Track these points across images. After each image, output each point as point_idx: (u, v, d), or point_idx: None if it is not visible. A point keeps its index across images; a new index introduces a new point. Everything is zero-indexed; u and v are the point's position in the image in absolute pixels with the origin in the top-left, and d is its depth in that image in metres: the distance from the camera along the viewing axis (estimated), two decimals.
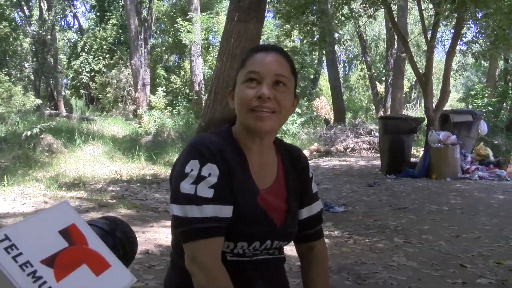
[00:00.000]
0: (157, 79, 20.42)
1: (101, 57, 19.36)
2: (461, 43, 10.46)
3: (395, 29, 10.18)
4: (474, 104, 13.95)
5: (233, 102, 1.21)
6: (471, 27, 10.34)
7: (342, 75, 28.36)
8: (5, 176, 5.80)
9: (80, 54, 19.60)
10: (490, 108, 13.57)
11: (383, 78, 20.08)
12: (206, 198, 1.07)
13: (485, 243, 3.61)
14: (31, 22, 18.69)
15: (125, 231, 0.72)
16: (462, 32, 9.67)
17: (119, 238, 0.70)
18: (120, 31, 19.60)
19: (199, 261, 1.06)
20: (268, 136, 1.20)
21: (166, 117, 14.75)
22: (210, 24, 17.22)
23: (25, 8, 19.98)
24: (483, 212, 4.88)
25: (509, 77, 16.35)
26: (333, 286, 2.57)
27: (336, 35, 12.43)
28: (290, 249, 3.16)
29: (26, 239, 0.57)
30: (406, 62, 14.16)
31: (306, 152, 9.86)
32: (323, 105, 19.80)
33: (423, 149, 9.00)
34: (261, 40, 5.86)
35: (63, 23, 24.81)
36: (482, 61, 15.73)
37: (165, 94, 18.03)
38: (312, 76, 21.68)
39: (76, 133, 9.42)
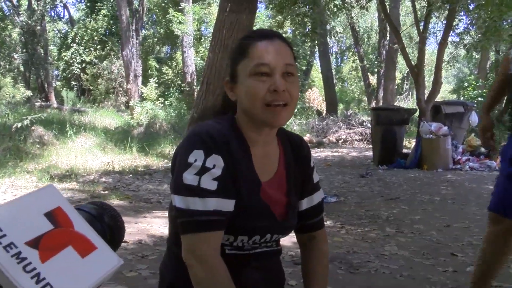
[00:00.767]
0: (149, 70, 20.27)
1: (92, 48, 19.16)
2: (453, 34, 10.50)
3: (387, 20, 10.18)
4: (466, 96, 14.04)
5: (233, 94, 1.16)
6: (463, 19, 10.40)
7: (334, 66, 28.37)
8: None
9: (71, 45, 19.38)
10: (481, 99, 13.66)
11: (375, 70, 20.11)
12: (210, 190, 1.05)
13: (475, 233, 3.66)
14: (20, 12, 18.42)
15: (112, 216, 0.72)
16: (454, 23, 9.69)
17: (107, 223, 0.70)
18: (111, 22, 19.40)
19: (198, 254, 1.05)
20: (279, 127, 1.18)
21: (158, 108, 14.68)
22: (202, 15, 17.12)
23: None
24: (474, 202, 4.93)
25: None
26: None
27: (328, 26, 12.41)
28: (283, 239, 3.17)
29: (11, 221, 0.57)
30: (398, 53, 14.19)
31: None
32: (315, 97, 19.81)
33: (415, 140, 9.06)
34: None
35: (53, 14, 24.51)
36: (474, 53, 15.80)
37: (157, 85, 17.92)
38: (304, 68, 21.64)
39: (67, 125, 9.34)
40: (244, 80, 1.11)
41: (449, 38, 10.04)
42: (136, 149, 8.62)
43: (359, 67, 21.51)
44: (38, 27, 18.09)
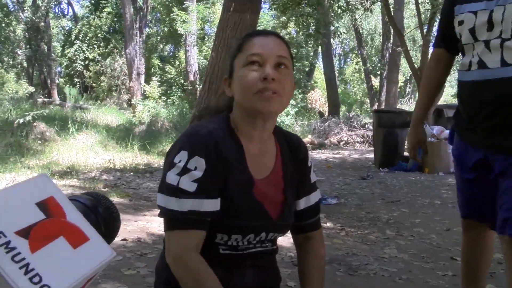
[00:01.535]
0: (152, 69, 20.30)
1: (95, 46, 19.20)
2: None
3: (391, 22, 10.18)
4: None
5: (230, 89, 1.17)
6: None
7: (337, 68, 28.37)
8: None
9: (74, 42, 19.42)
10: None
11: (378, 72, 20.10)
12: (187, 192, 1.06)
13: None
14: (24, 8, 18.46)
15: (107, 207, 0.70)
16: None
17: (101, 214, 0.68)
18: (115, 19, 19.43)
19: (173, 252, 1.07)
20: (272, 118, 1.17)
21: (160, 106, 14.70)
22: (206, 14, 17.12)
23: None
24: None
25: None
26: (325, 277, 2.58)
27: (332, 27, 12.40)
28: (281, 240, 3.16)
29: (1, 210, 0.56)
30: (402, 56, 14.19)
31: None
32: (318, 98, 19.80)
33: None
34: None
35: (57, 10, 24.58)
36: None
37: (159, 83, 17.94)
38: (307, 69, 21.64)
39: (69, 122, 9.35)
40: (237, 72, 1.14)
41: None
42: (138, 147, 8.63)
43: (362, 69, 21.50)
44: (42, 24, 18.13)
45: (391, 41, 16.83)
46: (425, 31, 9.33)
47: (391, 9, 11.44)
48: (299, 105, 15.71)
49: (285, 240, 3.11)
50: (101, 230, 0.65)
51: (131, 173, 6.46)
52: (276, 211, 1.19)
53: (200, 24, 17.67)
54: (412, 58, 9.98)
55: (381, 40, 20.73)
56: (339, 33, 12.76)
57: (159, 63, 20.97)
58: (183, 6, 15.95)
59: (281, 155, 1.24)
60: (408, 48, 10.03)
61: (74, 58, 19.22)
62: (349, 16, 15.42)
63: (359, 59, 22.25)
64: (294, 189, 1.26)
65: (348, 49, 30.98)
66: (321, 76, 23.81)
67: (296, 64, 19.39)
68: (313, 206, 1.30)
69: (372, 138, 10.16)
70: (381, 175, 7.47)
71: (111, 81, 18.80)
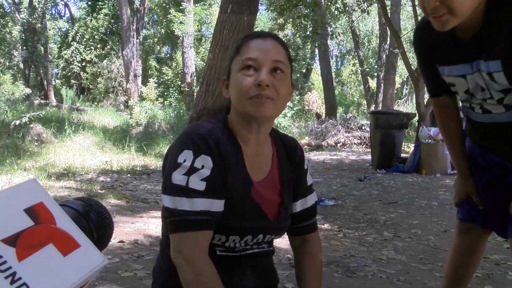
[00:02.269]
0: (149, 70, 20.27)
1: (92, 47, 19.15)
2: None
3: (388, 24, 10.19)
4: None
5: (227, 91, 1.17)
6: None
7: (335, 69, 28.38)
8: None
9: (71, 43, 19.37)
10: None
11: (375, 74, 20.12)
12: (198, 191, 1.05)
13: None
14: (21, 10, 18.41)
15: (99, 213, 0.68)
16: None
17: (94, 220, 0.66)
18: (112, 21, 19.40)
19: (185, 254, 1.05)
20: (266, 123, 1.17)
21: (157, 108, 14.68)
22: (203, 15, 17.11)
23: None
24: None
25: None
26: (322, 278, 2.58)
27: (329, 29, 12.43)
28: (279, 242, 3.16)
29: None
30: (399, 58, 14.19)
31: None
32: (315, 99, 19.80)
33: (413, 144, 9.05)
34: None
35: (53, 12, 24.52)
36: None
37: (156, 85, 17.93)
38: (304, 70, 21.66)
39: (66, 123, 9.32)
40: (234, 75, 1.13)
41: None
42: (135, 148, 8.61)
43: (359, 71, 21.51)
44: (39, 25, 18.07)
45: (388, 42, 16.84)
46: None
47: (388, 11, 11.46)
48: (295, 108, 15.72)
49: (283, 242, 3.10)
50: (93, 236, 0.63)
51: (128, 175, 6.44)
52: (274, 213, 1.19)
53: (197, 26, 17.67)
54: (409, 60, 9.99)
55: (378, 42, 20.74)
56: (336, 35, 12.74)
57: (156, 65, 20.95)
58: (180, 7, 15.94)
59: (278, 158, 1.24)
60: (405, 49, 10.03)
61: (71, 59, 19.17)
62: (346, 18, 15.44)
63: (356, 61, 22.27)
64: (291, 191, 1.25)
65: (345, 51, 31.02)
66: (318, 77, 23.83)
67: (293, 65, 19.41)
68: (310, 208, 1.30)
69: (369, 140, 10.18)
70: (378, 176, 7.47)
71: (108, 82, 18.76)
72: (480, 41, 1.37)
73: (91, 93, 19.19)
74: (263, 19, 17.37)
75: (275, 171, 1.22)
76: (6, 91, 14.65)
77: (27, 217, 0.56)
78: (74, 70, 19.22)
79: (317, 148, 12.08)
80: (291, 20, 9.49)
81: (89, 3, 20.13)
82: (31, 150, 7.39)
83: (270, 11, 10.77)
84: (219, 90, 5.41)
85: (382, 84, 17.38)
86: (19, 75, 19.86)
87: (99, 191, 5.11)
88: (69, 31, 20.15)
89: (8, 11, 18.89)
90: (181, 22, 15.39)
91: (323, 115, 16.88)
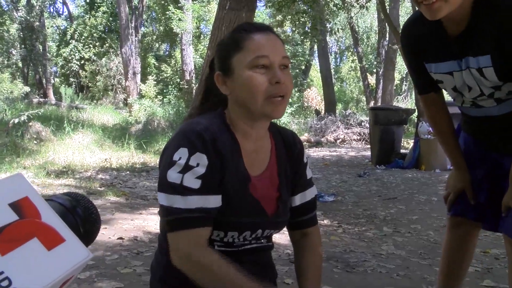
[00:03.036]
0: (148, 68, 20.25)
1: (91, 45, 19.14)
2: None
3: (387, 20, 10.17)
4: None
5: (226, 88, 1.14)
6: None
7: (334, 66, 28.36)
8: None
9: (70, 41, 19.35)
10: None
11: (374, 70, 20.12)
12: (192, 189, 1.04)
13: None
14: (18, 8, 18.37)
15: (86, 208, 0.67)
16: None
17: (80, 215, 0.65)
18: (111, 19, 19.38)
19: (182, 252, 1.05)
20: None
21: (157, 106, 14.67)
22: (202, 12, 17.11)
23: None
24: None
25: None
26: (322, 274, 2.58)
27: (328, 25, 12.42)
28: (279, 237, 3.16)
29: None
30: (398, 54, 14.20)
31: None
32: (314, 96, 19.80)
33: (413, 140, 9.05)
34: None
35: (52, 10, 24.47)
36: None
37: (155, 83, 17.92)
38: (303, 67, 21.65)
39: (65, 121, 9.32)
40: (242, 73, 1.10)
41: None
42: (134, 146, 8.60)
43: (358, 67, 21.49)
44: (37, 23, 18.04)
45: (387, 38, 16.83)
46: None
47: (387, 7, 11.44)
48: (295, 105, 15.72)
49: (282, 237, 3.10)
50: (80, 231, 0.63)
51: (128, 172, 6.44)
52: (272, 208, 1.19)
53: (196, 23, 17.65)
54: None
55: (377, 38, 20.73)
56: (335, 31, 12.71)
57: (155, 62, 20.93)
58: (179, 5, 15.90)
59: (276, 151, 1.23)
60: None
61: (70, 57, 19.16)
62: (345, 14, 15.42)
63: (355, 57, 22.24)
64: (290, 186, 1.25)
65: (344, 47, 30.98)
66: (317, 74, 23.82)
67: (292, 62, 19.41)
68: (309, 202, 1.29)
69: (369, 136, 10.18)
70: (377, 172, 7.47)
71: (107, 80, 18.75)
72: (467, 37, 1.37)
73: (90, 91, 19.18)
74: (262, 16, 17.34)
75: (273, 165, 1.21)
76: (4, 90, 14.65)
77: (11, 211, 0.56)
78: (73, 68, 19.21)
79: (316, 144, 12.08)
80: (289, 16, 9.47)
81: (87, 1, 20.10)
82: (30, 148, 7.39)
83: (268, 7, 10.74)
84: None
85: (381, 80, 17.37)
86: (18, 74, 19.85)
87: (99, 188, 5.11)
88: (68, 29, 20.12)
89: (5, 9, 18.85)
90: (179, 19, 15.37)
91: (322, 112, 16.88)
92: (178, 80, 18.17)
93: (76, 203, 0.67)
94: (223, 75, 1.14)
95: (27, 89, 16.73)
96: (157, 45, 23.92)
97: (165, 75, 19.45)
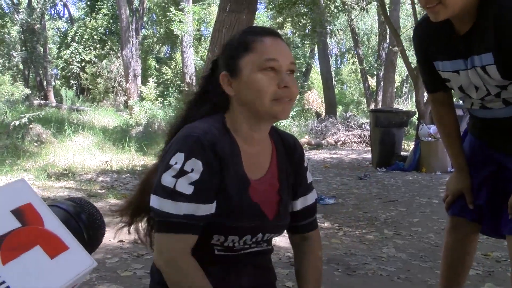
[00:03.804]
0: (148, 70, 20.26)
1: (91, 47, 19.15)
2: None
3: (387, 22, 10.18)
4: None
5: (231, 89, 1.14)
6: None
7: (334, 68, 28.35)
8: None
9: (71, 44, 19.36)
10: None
11: (375, 72, 20.10)
12: (184, 195, 1.05)
13: None
14: (19, 10, 18.40)
15: (91, 213, 0.67)
16: None
17: (84, 221, 0.65)
18: (111, 21, 19.39)
19: (166, 255, 1.06)
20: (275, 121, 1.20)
21: (157, 108, 14.68)
22: (202, 15, 17.11)
23: None
24: None
25: None
26: (323, 277, 2.57)
27: (328, 27, 12.44)
28: (279, 240, 3.16)
29: None
30: (398, 56, 14.18)
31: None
32: (314, 98, 19.79)
33: (413, 142, 9.04)
34: None
35: (52, 12, 24.50)
36: None
37: (156, 85, 17.91)
38: (303, 69, 21.65)
39: (66, 124, 9.32)
40: (250, 74, 1.11)
41: None
42: (134, 148, 8.60)
43: (359, 69, 21.48)
44: (38, 25, 18.06)
45: (388, 41, 16.81)
46: None
47: (387, 9, 11.45)
48: (296, 107, 15.72)
49: (283, 241, 3.10)
50: (84, 238, 0.62)
51: (128, 175, 6.43)
52: (272, 212, 1.18)
53: (196, 25, 17.66)
54: (409, 58, 9.98)
55: (377, 40, 20.71)
56: (335, 33, 12.76)
57: (156, 65, 20.94)
58: (179, 7, 15.92)
59: (277, 155, 1.23)
60: (405, 47, 10.02)
61: (70, 60, 19.17)
62: (345, 16, 15.43)
63: (356, 59, 22.23)
64: (290, 189, 1.25)
65: (344, 49, 30.99)
66: (317, 76, 23.81)
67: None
68: (310, 206, 1.29)
69: (369, 138, 10.17)
70: (378, 174, 7.46)
71: (107, 82, 18.76)
72: (472, 36, 1.40)
73: (91, 93, 19.19)
74: (262, 18, 17.36)
75: (273, 169, 1.21)
76: (5, 92, 14.66)
77: (14, 218, 0.55)
78: (73, 70, 19.21)
79: (317, 147, 12.08)
80: (290, 18, 9.48)
81: (88, 3, 20.12)
82: (30, 150, 7.39)
83: (269, 9, 10.75)
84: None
85: (381, 83, 17.35)
86: (19, 76, 19.87)
87: (99, 191, 5.10)
88: (68, 32, 20.14)
89: (6, 11, 18.88)
90: (180, 22, 15.37)
91: (323, 114, 16.87)
92: (179, 82, 18.18)
93: (80, 209, 0.66)
94: (229, 76, 1.14)
95: (28, 91, 16.74)
96: (157, 47, 23.94)
97: (165, 77, 19.46)
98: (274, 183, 1.20)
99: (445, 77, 1.54)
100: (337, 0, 10.78)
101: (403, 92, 25.20)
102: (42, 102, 15.86)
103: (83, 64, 19.08)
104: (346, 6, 12.05)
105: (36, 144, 7.81)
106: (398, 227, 3.94)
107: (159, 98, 16.66)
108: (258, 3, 6.05)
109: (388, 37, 16.74)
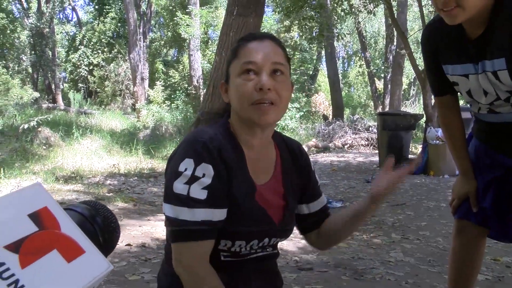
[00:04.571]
0: (156, 73, 20.36)
1: (99, 51, 19.29)
2: None
3: (394, 25, 10.15)
4: None
5: (227, 95, 1.16)
6: None
7: (341, 71, 28.33)
8: (2, 169, 5.77)
9: (79, 47, 19.53)
10: None
11: (382, 75, 20.05)
12: (199, 200, 1.04)
13: None
14: (29, 15, 18.59)
15: (106, 217, 0.67)
16: None
17: (100, 224, 0.65)
18: (119, 24, 19.53)
19: (185, 263, 1.05)
20: (269, 127, 1.17)
21: (165, 111, 14.72)
22: (210, 18, 17.17)
23: (23, 0, 19.87)
24: None
25: None
26: (330, 281, 2.56)
27: (335, 30, 12.43)
28: (287, 244, 3.15)
29: None
30: (405, 58, 14.14)
31: (304, 148, 9.90)
32: (322, 101, 19.78)
33: (421, 145, 8.99)
34: None
35: (61, 16, 24.75)
36: None
37: (163, 88, 18.00)
38: (311, 72, 21.64)
39: (74, 127, 9.38)
40: (233, 80, 1.12)
41: None
42: (142, 151, 8.63)
43: (366, 72, 21.44)
44: (47, 29, 18.24)
45: (395, 43, 16.79)
46: None
47: (394, 12, 11.42)
48: (304, 110, 15.71)
49: (290, 245, 3.09)
50: (99, 241, 0.62)
51: (136, 178, 6.46)
52: (278, 216, 1.19)
53: (204, 28, 17.72)
54: (416, 61, 9.94)
55: (384, 43, 20.68)
56: (342, 36, 12.73)
57: (163, 68, 21.04)
58: (187, 10, 15.99)
59: (281, 160, 1.23)
60: (412, 50, 9.99)
61: (79, 63, 19.32)
62: (352, 19, 15.41)
63: (363, 62, 22.19)
64: (297, 194, 1.25)
65: (351, 52, 30.95)
66: (324, 79, 23.80)
67: (300, 68, 19.43)
68: (325, 206, 1.33)
69: (377, 141, 10.14)
70: None
71: (115, 86, 18.86)
72: (485, 41, 1.39)
73: (99, 97, 19.30)
74: (270, 21, 17.38)
75: (278, 174, 1.22)
76: (15, 95, 14.78)
77: (31, 222, 0.55)
78: (81, 73, 19.36)
79: (324, 149, 12.05)
80: (297, 22, 9.48)
81: (96, 7, 20.28)
82: (39, 153, 7.44)
83: (276, 13, 10.77)
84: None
85: (389, 85, 17.31)
86: (28, 79, 20.04)
87: (107, 194, 5.13)
88: (77, 35, 20.32)
89: (17, 16, 19.09)
90: (187, 25, 15.44)
91: (330, 117, 16.85)
92: (186, 85, 18.23)
93: (95, 212, 0.67)
94: (225, 84, 1.17)
95: (37, 94, 16.89)
96: (165, 50, 24.05)
97: (173, 80, 19.54)
98: (279, 188, 1.21)
99: (454, 80, 1.53)
100: (344, 3, 10.77)
101: (411, 94, 25.10)
102: (50, 105, 15.99)
103: (91, 67, 19.21)
104: (353, 9, 12.03)
105: (44, 147, 7.87)
106: (406, 231, 3.92)
107: (166, 101, 16.72)
108: (266, 7, 6.06)
109: (395, 40, 16.71)
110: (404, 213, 4.67)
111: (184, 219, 1.04)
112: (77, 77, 19.87)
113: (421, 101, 10.31)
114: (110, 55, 19.27)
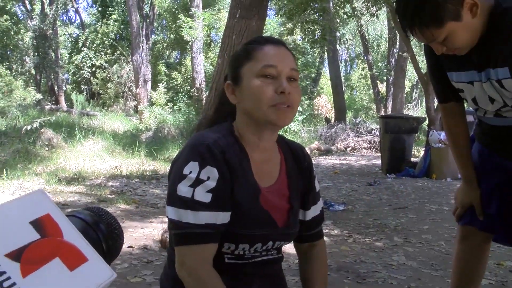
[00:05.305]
0: (158, 75, 20.40)
1: (102, 53, 19.35)
2: None
3: (397, 28, 10.15)
4: None
5: (234, 97, 1.16)
6: None
7: (344, 74, 28.34)
8: (4, 170, 5.79)
9: (82, 49, 19.58)
10: None
11: (385, 78, 20.05)
12: (203, 203, 1.04)
13: None
14: (33, 16, 18.66)
15: (109, 223, 0.66)
16: None
17: (103, 231, 0.64)
18: (122, 26, 19.59)
19: (188, 266, 1.05)
20: (278, 130, 1.19)
21: (167, 113, 14.74)
22: (212, 20, 17.19)
23: (26, 2, 19.96)
24: None
25: None
26: (332, 285, 2.56)
27: (338, 34, 12.44)
28: (289, 247, 3.14)
29: None
30: (408, 61, 14.15)
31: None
32: (324, 104, 19.79)
33: (423, 149, 8.98)
34: None
35: (64, 18, 24.84)
36: None
37: (166, 90, 18.02)
38: (313, 75, 21.64)
39: (76, 128, 9.39)
40: (249, 81, 1.11)
41: None
42: (144, 153, 8.63)
43: (368, 75, 21.44)
44: (50, 31, 18.32)
45: (397, 46, 16.80)
46: None
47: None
48: (306, 112, 15.70)
49: (293, 248, 3.08)
50: (102, 248, 0.61)
51: (138, 180, 6.46)
52: (283, 220, 1.18)
53: (206, 31, 17.74)
54: (419, 64, 9.94)
55: (387, 46, 20.70)
56: (344, 39, 12.76)
57: (166, 70, 21.07)
58: (189, 13, 16.02)
59: (286, 164, 1.24)
60: (415, 53, 9.99)
61: (81, 65, 19.37)
62: (355, 22, 15.42)
63: (365, 65, 22.21)
64: (300, 197, 1.25)
65: (354, 55, 30.98)
66: (327, 82, 23.80)
67: (303, 71, 19.43)
68: (320, 214, 1.31)
69: (379, 144, 10.12)
70: (388, 181, 7.42)
71: (117, 87, 18.90)
72: (486, 49, 1.38)
73: (101, 98, 19.35)
74: (273, 24, 17.40)
75: (283, 177, 1.22)
76: (18, 97, 14.84)
77: (33, 229, 0.55)
78: (84, 75, 19.41)
79: (326, 152, 12.04)
80: (299, 25, 9.49)
81: (99, 9, 20.34)
82: (42, 155, 7.45)
83: (279, 16, 10.79)
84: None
85: (391, 88, 17.32)
86: (31, 81, 20.12)
87: (109, 196, 5.13)
88: (80, 37, 20.38)
89: (21, 18, 19.18)
90: (190, 27, 15.46)
91: (333, 120, 16.84)
92: (189, 87, 18.26)
93: (99, 219, 0.66)
94: (233, 85, 1.16)
95: (40, 96, 16.95)
96: (167, 52, 24.10)
97: (175, 82, 19.56)
98: (284, 191, 1.21)
99: (459, 87, 1.52)
100: (347, 6, 10.77)
101: (413, 97, 25.09)
102: (53, 106, 16.04)
103: (93, 69, 19.26)
104: (356, 12, 12.03)
105: (47, 149, 7.88)
106: (408, 234, 3.91)
107: (168, 103, 16.75)
108: (268, 9, 6.07)
109: (398, 43, 16.72)
110: (406, 216, 4.66)
111: (188, 222, 1.04)
112: (79, 78, 19.92)
113: (424, 104, 10.30)
114: (113, 57, 19.32)
